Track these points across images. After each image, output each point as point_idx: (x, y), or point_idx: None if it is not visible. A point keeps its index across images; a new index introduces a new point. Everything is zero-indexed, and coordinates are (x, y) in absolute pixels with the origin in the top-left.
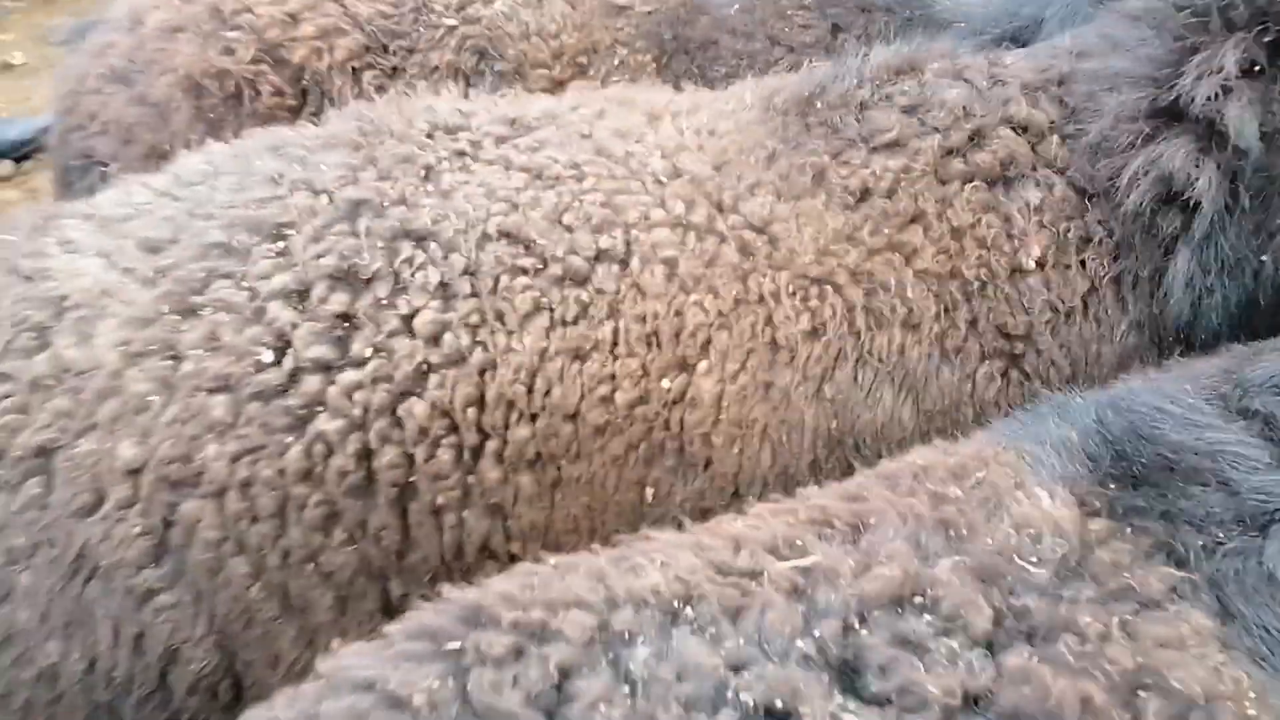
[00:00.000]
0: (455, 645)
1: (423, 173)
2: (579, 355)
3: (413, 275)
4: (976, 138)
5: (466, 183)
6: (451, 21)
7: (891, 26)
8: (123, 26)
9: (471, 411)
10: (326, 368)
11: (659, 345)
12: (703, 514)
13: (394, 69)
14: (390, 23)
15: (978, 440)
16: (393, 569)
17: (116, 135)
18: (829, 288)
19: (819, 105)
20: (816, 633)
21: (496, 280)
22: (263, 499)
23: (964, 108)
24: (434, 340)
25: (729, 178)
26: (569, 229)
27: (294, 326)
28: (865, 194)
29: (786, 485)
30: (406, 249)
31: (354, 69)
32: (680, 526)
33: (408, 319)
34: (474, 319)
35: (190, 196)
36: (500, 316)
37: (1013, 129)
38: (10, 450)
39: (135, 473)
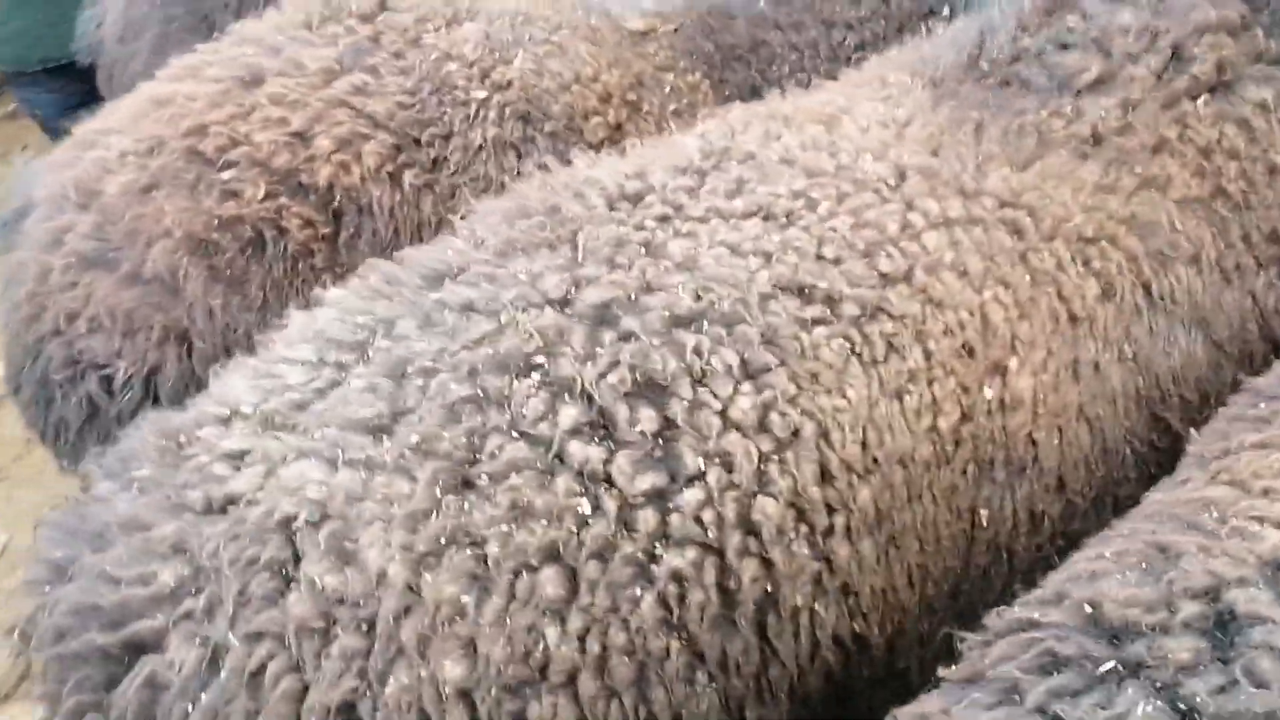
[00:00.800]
0: (1110, 665)
1: (643, 250)
2: (899, 392)
3: (707, 363)
4: (1179, 52)
5: (697, 247)
6: (481, 93)
7: None
8: (70, 203)
9: (815, 490)
10: (660, 496)
11: (970, 355)
12: (1031, 518)
13: (434, 161)
14: (413, 112)
15: None
16: (750, 695)
17: (115, 328)
18: (1106, 243)
19: (985, 66)
20: None
21: (798, 339)
22: (620, 669)
23: (1149, 27)
24: (761, 426)
25: (952, 161)
26: (837, 262)
27: (606, 462)
28: (1098, 138)
29: (1107, 460)
30: (686, 337)
31: (390, 174)
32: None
33: (723, 413)
34: (791, 390)
35: (374, 359)
36: (815, 377)
37: (1210, 33)
38: None
39: (468, 692)
